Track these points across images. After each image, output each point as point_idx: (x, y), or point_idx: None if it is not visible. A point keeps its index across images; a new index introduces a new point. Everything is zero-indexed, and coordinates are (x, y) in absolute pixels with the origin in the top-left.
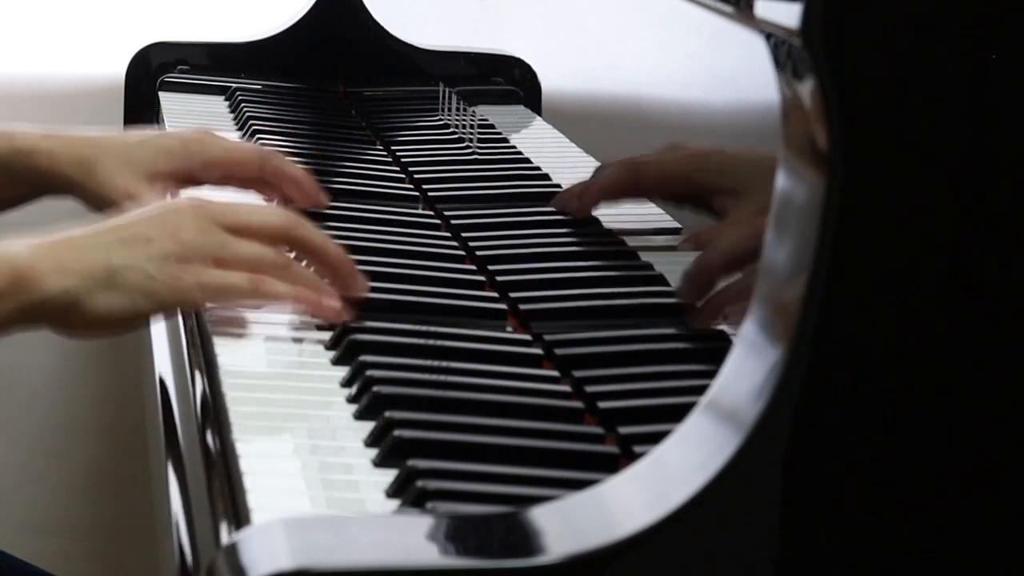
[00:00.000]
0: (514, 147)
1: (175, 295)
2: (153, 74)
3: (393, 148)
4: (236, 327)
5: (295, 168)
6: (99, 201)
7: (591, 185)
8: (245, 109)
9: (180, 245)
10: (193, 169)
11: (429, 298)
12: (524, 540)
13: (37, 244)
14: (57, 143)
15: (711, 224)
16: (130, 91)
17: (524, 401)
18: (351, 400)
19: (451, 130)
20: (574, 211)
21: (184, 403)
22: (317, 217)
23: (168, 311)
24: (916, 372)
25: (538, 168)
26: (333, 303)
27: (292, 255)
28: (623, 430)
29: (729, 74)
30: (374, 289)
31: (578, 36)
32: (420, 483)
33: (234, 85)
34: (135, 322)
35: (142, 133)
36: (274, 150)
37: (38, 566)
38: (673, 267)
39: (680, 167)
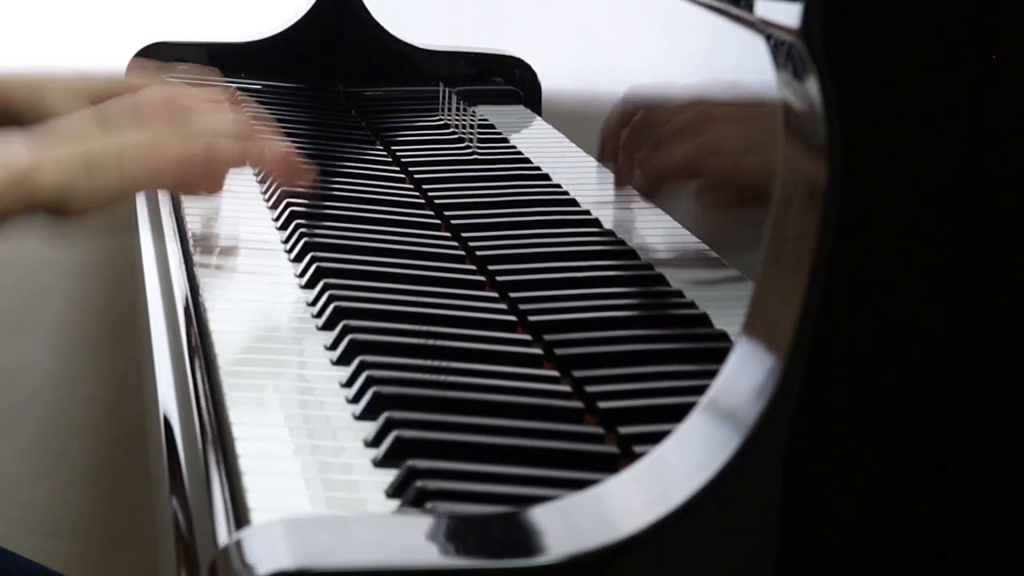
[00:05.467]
0: (514, 147)
1: (146, 174)
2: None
3: (393, 148)
4: (236, 326)
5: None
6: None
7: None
8: (245, 109)
9: (149, 131)
10: None
11: (429, 298)
12: (524, 540)
13: (32, 142)
14: (7, 79)
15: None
16: None
17: (524, 401)
18: (351, 400)
19: (451, 130)
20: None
21: (184, 403)
22: (317, 216)
23: (142, 189)
24: (916, 371)
25: (538, 168)
26: (282, 160)
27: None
28: (623, 430)
29: (729, 74)
30: (374, 289)
31: (578, 36)
32: (420, 483)
33: (234, 85)
34: (116, 203)
35: (85, 70)
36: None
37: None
38: (674, 268)
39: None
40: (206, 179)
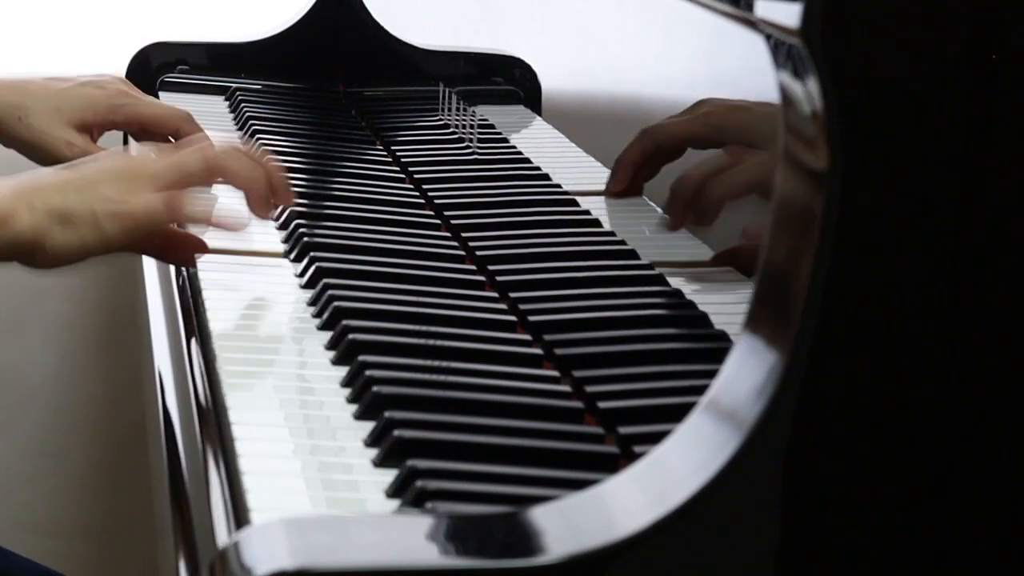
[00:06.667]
0: (514, 147)
1: (115, 228)
2: (153, 74)
3: (393, 148)
4: (236, 326)
5: (203, 136)
6: (25, 145)
7: (618, 164)
8: (245, 109)
9: (120, 187)
10: (116, 121)
11: (429, 298)
12: (524, 540)
13: (11, 186)
14: None
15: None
16: None
17: (524, 401)
18: (351, 400)
19: (451, 130)
20: (612, 191)
21: (184, 403)
22: (317, 216)
23: (113, 243)
24: (916, 371)
25: (538, 168)
26: (244, 221)
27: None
28: (623, 430)
29: (729, 74)
30: (374, 289)
31: (578, 36)
32: (420, 483)
33: (234, 85)
34: (86, 256)
35: (66, 81)
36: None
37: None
38: (674, 268)
39: (694, 127)
40: (177, 243)
